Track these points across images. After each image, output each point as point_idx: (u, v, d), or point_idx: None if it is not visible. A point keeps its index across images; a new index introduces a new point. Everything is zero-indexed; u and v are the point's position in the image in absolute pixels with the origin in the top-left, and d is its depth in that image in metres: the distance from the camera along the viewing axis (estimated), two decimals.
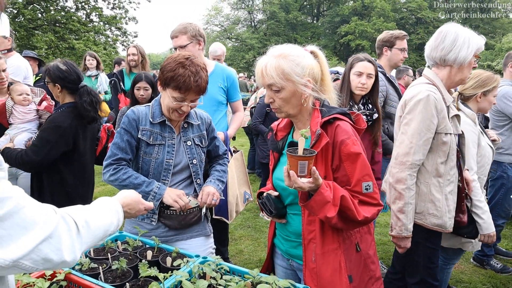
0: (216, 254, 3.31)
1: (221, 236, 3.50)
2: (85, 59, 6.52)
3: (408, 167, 2.08)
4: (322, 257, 1.62)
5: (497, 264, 3.81)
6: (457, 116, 2.23)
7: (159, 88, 2.01)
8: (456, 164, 2.19)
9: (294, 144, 1.67)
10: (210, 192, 2.06)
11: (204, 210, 2.14)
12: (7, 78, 3.05)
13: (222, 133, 3.03)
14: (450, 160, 2.14)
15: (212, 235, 2.26)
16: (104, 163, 2.01)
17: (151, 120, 2.02)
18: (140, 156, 2.04)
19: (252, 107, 6.21)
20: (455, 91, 2.88)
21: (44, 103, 3.03)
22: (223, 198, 2.16)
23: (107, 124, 2.97)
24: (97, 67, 6.53)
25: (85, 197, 2.84)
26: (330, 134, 1.61)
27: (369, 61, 2.86)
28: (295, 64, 1.59)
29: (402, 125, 2.16)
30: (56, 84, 2.65)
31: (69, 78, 2.63)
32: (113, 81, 5.16)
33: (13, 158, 2.57)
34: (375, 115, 2.93)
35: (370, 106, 2.95)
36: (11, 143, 2.84)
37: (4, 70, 3.01)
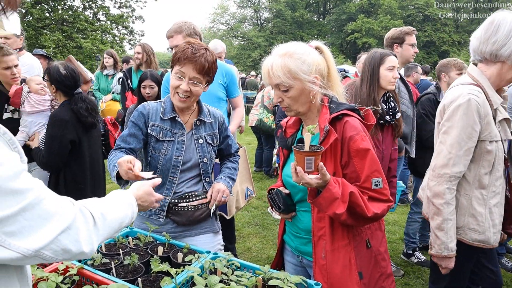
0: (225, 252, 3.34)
1: (226, 233, 3.52)
2: (104, 57, 6.56)
3: (447, 180, 1.89)
4: (332, 253, 1.62)
5: (508, 262, 3.78)
6: (507, 119, 1.98)
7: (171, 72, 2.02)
8: (504, 173, 1.98)
9: (302, 141, 1.66)
10: (220, 189, 2.05)
11: (214, 207, 2.12)
12: (19, 74, 3.09)
13: None
14: (496, 170, 1.92)
15: (220, 232, 2.24)
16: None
17: (161, 116, 2.02)
18: (149, 152, 2.04)
19: (275, 106, 6.19)
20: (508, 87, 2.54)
21: None
22: (233, 195, 2.15)
23: (108, 117, 3.03)
24: (115, 67, 6.53)
25: (97, 192, 2.93)
26: (338, 130, 1.60)
27: (394, 55, 2.82)
28: (301, 62, 1.59)
29: (441, 133, 1.96)
30: (52, 85, 2.78)
31: (65, 83, 2.75)
32: (121, 79, 5.20)
33: (38, 161, 2.77)
34: (398, 114, 2.87)
35: (393, 104, 2.87)
36: (32, 141, 2.93)
37: (16, 66, 3.04)
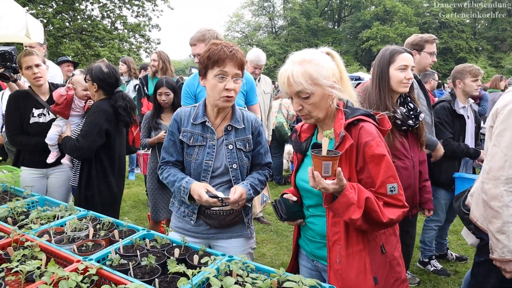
0: None
1: None
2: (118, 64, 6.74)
3: (504, 182, 1.85)
4: (347, 258, 1.62)
5: None
6: None
7: (201, 83, 2.03)
8: None
9: (318, 146, 1.67)
10: (243, 194, 1.95)
11: (251, 213, 2.17)
12: (41, 74, 3.09)
13: None
14: None
15: (253, 236, 2.23)
16: (158, 166, 2.20)
17: (192, 121, 2.06)
18: (184, 157, 2.10)
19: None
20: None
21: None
22: (249, 205, 2.13)
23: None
24: (129, 74, 6.66)
25: (120, 186, 3.06)
26: (354, 136, 1.60)
27: (409, 52, 2.54)
28: (320, 67, 1.61)
29: (494, 136, 1.93)
30: (94, 83, 2.86)
31: (107, 81, 2.83)
32: (137, 86, 5.31)
33: (69, 145, 2.81)
34: (422, 115, 2.61)
35: (412, 105, 2.61)
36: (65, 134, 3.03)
37: (37, 66, 3.04)
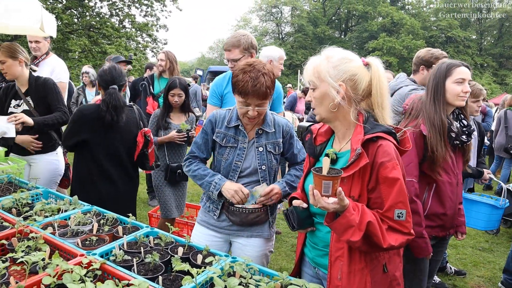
0: None
1: None
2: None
3: None
4: (348, 276, 1.58)
5: None
6: None
7: (233, 94, 2.12)
8: None
9: (329, 155, 1.64)
10: (272, 191, 2.10)
11: (275, 213, 2.24)
12: (7, 70, 3.17)
13: None
14: None
15: (272, 238, 2.30)
16: (185, 157, 2.31)
17: (226, 124, 2.18)
18: (215, 156, 2.24)
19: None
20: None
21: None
22: (284, 200, 2.18)
23: (145, 128, 2.98)
24: None
25: (108, 188, 2.87)
26: (371, 153, 1.55)
27: (466, 66, 2.45)
28: (332, 66, 1.58)
29: None
30: (97, 81, 2.94)
31: (103, 78, 2.88)
32: (143, 85, 5.32)
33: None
34: (475, 133, 2.55)
35: (465, 122, 2.51)
36: None
37: (3, 62, 3.14)
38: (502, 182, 4.06)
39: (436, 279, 3.80)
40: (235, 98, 2.10)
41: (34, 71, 3.56)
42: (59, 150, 3.42)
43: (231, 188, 2.06)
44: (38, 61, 4.15)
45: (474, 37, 41.78)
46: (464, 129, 2.47)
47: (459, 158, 2.51)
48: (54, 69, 4.13)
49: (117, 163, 2.89)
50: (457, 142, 2.44)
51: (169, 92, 3.65)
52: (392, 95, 3.45)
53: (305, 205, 1.80)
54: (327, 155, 1.47)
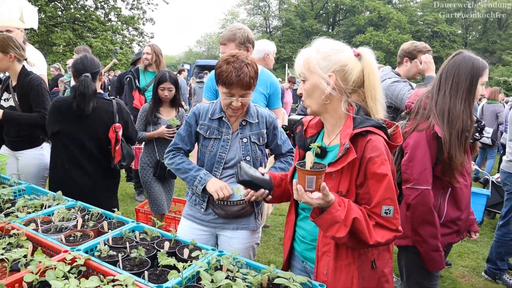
0: None
1: None
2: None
3: None
4: (334, 271, 1.57)
5: (510, 279, 3.75)
6: None
7: (217, 86, 2.12)
8: None
9: (321, 149, 1.60)
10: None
11: (261, 205, 2.24)
12: None
13: None
14: None
15: (258, 231, 2.30)
16: (167, 149, 2.27)
17: (210, 116, 2.18)
18: (199, 148, 2.24)
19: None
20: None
21: None
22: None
23: (116, 124, 2.90)
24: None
25: (82, 177, 2.84)
26: (359, 148, 1.53)
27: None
28: (322, 57, 1.56)
29: None
30: (71, 71, 2.94)
31: (75, 67, 2.86)
32: (128, 78, 5.22)
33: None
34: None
35: (474, 117, 2.28)
36: None
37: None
38: (487, 173, 4.13)
39: None
40: (219, 91, 2.09)
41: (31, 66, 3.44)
42: (45, 145, 3.35)
43: (216, 185, 2.07)
44: None
45: (459, 31, 42.32)
46: (475, 125, 2.30)
47: (468, 155, 2.32)
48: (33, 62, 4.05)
49: (87, 154, 2.85)
50: (471, 140, 2.27)
51: (159, 86, 3.57)
52: None
53: (263, 170, 1.86)
54: (312, 149, 1.45)
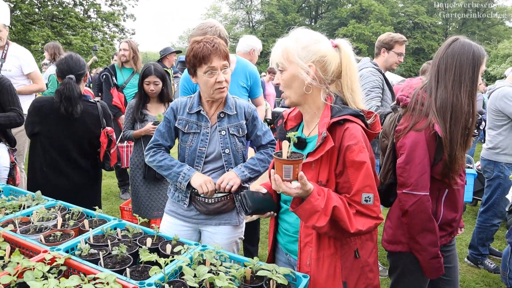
0: (246, 254, 3.16)
1: (249, 235, 3.34)
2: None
3: None
4: (317, 262, 1.57)
5: (491, 264, 3.85)
6: None
7: (193, 80, 2.10)
8: None
9: (300, 141, 1.62)
10: (225, 177, 2.06)
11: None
12: None
13: None
14: None
15: (241, 226, 2.28)
16: (147, 146, 2.24)
17: (188, 110, 2.15)
18: (179, 144, 2.22)
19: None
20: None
21: None
22: (246, 185, 2.15)
23: (108, 128, 2.86)
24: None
25: (59, 180, 2.81)
26: (337, 137, 1.53)
27: None
28: (301, 47, 1.55)
29: None
30: (56, 71, 2.86)
31: (59, 67, 2.80)
32: (104, 76, 5.11)
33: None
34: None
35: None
36: None
37: None
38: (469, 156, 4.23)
39: None
40: (199, 81, 2.06)
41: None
42: (2, 146, 3.23)
43: (200, 179, 2.05)
44: (4, 52, 3.95)
45: (440, 23, 42.88)
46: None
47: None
48: (24, 60, 4.02)
49: (67, 158, 2.80)
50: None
51: (144, 80, 3.41)
52: None
53: (264, 191, 1.77)
54: (287, 139, 1.44)
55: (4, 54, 3.96)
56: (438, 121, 1.81)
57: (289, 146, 1.41)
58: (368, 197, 1.50)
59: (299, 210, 1.47)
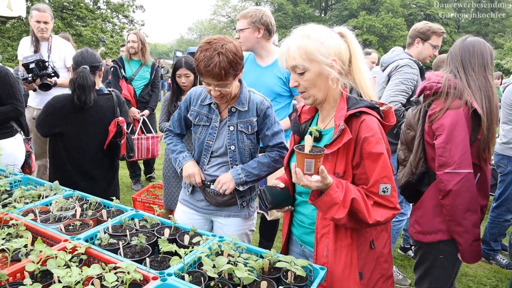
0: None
1: (268, 231, 3.41)
2: None
3: None
4: (335, 252, 1.59)
5: (503, 259, 3.82)
6: None
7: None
8: None
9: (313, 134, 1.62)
10: (220, 179, 2.07)
11: (248, 196, 2.20)
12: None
13: None
14: None
15: (252, 218, 2.27)
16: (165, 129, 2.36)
17: (201, 102, 2.14)
18: (192, 133, 2.22)
19: None
20: None
21: None
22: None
23: (119, 118, 2.87)
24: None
25: (83, 179, 2.83)
26: (354, 129, 1.54)
27: None
28: (319, 43, 1.53)
29: None
30: (71, 65, 2.89)
31: (75, 59, 2.83)
32: (113, 68, 5.12)
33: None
34: None
35: None
36: None
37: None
38: None
39: None
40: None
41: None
42: (19, 136, 3.28)
43: (188, 170, 2.11)
44: (49, 44, 4.02)
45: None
46: None
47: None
48: (68, 52, 4.09)
49: (89, 156, 2.82)
50: None
51: (175, 73, 3.41)
52: (385, 69, 3.36)
53: (281, 185, 1.78)
54: (310, 133, 1.45)
55: (49, 45, 4.04)
56: (475, 100, 1.92)
57: (311, 140, 1.41)
58: (385, 187, 1.51)
59: (318, 202, 1.49)
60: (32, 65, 3.35)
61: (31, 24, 3.96)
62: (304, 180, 1.42)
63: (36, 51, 3.95)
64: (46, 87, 3.51)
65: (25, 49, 4.07)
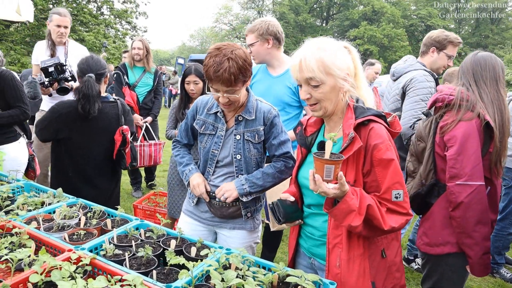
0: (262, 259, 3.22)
1: (272, 242, 3.38)
2: None
3: None
4: (348, 263, 1.57)
5: (507, 273, 3.78)
6: None
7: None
8: None
9: (323, 146, 1.61)
10: (223, 187, 2.03)
11: (253, 207, 2.15)
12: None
13: None
14: None
15: (256, 230, 2.22)
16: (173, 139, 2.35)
17: (207, 110, 2.12)
18: (198, 143, 2.20)
19: None
20: None
21: None
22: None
23: (124, 126, 2.85)
24: None
25: (84, 186, 2.79)
26: (363, 137, 1.54)
27: None
28: (335, 57, 1.54)
29: None
30: (76, 72, 2.86)
31: (80, 67, 2.80)
32: (116, 75, 5.12)
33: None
34: None
35: None
36: None
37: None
38: None
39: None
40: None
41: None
42: (22, 140, 3.26)
43: (193, 181, 2.09)
44: (66, 48, 4.02)
45: (452, 26, 42.45)
46: None
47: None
48: (75, 59, 4.05)
49: (94, 163, 2.80)
50: None
51: (184, 80, 3.41)
52: (397, 79, 3.27)
53: (292, 199, 1.76)
54: (329, 139, 1.44)
55: (66, 49, 4.03)
56: (487, 112, 1.93)
57: (331, 146, 1.41)
58: (398, 193, 1.52)
59: (334, 211, 1.48)
60: (51, 69, 3.32)
61: (50, 28, 3.93)
62: (323, 186, 1.42)
63: (53, 55, 3.93)
64: (64, 91, 3.47)
65: (40, 53, 4.04)
